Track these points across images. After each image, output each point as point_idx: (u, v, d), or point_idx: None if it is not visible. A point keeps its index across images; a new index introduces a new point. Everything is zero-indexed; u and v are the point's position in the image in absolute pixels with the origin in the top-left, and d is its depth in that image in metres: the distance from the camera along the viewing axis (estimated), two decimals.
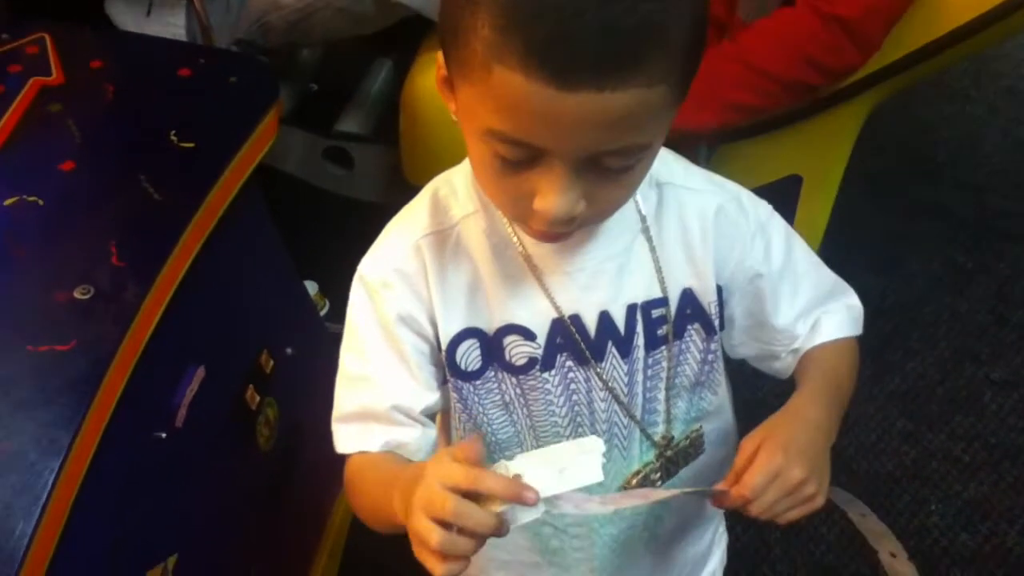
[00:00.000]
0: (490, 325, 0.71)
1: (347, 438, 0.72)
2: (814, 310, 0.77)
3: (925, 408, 1.58)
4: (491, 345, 0.71)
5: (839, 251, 1.59)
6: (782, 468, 0.65)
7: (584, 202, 0.60)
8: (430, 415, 0.73)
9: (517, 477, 0.56)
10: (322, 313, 1.57)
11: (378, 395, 0.70)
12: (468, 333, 0.71)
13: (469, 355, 0.72)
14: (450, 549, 0.55)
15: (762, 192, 0.77)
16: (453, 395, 0.73)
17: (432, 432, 0.73)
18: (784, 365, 0.79)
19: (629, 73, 0.54)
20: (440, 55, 0.63)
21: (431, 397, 0.72)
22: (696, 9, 0.57)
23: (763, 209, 0.75)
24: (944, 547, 1.42)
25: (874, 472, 1.51)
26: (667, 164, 0.72)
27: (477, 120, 0.59)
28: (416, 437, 0.71)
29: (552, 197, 0.59)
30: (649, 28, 0.54)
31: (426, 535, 0.56)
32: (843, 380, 0.75)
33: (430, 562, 0.57)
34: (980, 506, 1.46)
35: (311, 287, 1.58)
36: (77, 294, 0.82)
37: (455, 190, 0.72)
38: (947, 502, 1.47)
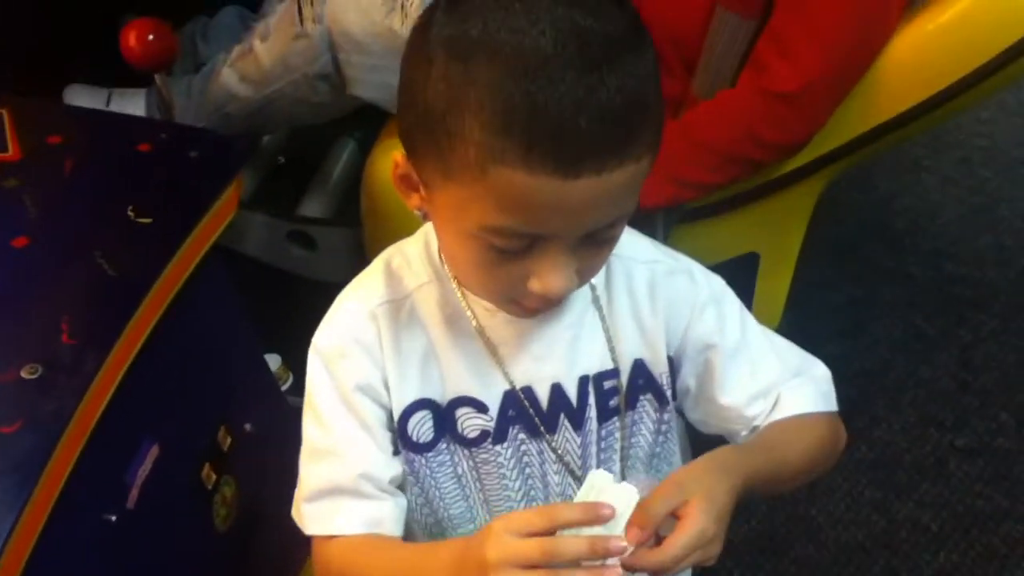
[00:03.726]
0: (443, 396, 0.71)
1: (319, 518, 0.70)
2: (774, 389, 0.74)
3: (893, 476, 1.58)
4: (443, 416, 0.71)
5: (802, 319, 1.60)
6: (712, 538, 0.61)
7: (577, 275, 0.62)
8: (398, 485, 0.72)
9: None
10: (285, 387, 1.55)
11: (344, 467, 0.69)
12: (421, 404, 0.71)
13: (421, 426, 0.71)
14: None
15: (720, 268, 0.77)
16: (405, 468, 0.72)
17: (403, 502, 0.72)
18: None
19: (625, 151, 0.57)
20: (397, 155, 0.64)
21: (397, 466, 0.71)
22: (656, 70, 0.60)
23: (716, 283, 0.76)
24: None
25: (844, 542, 1.49)
26: None
27: (468, 218, 0.60)
28: (389, 509, 0.70)
29: (552, 277, 0.61)
30: (636, 105, 0.57)
31: None
32: (787, 453, 0.72)
33: None
34: None
35: (274, 361, 1.56)
36: (24, 373, 0.81)
37: (409, 260, 0.72)
38: (917, 572, 1.45)
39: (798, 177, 1.34)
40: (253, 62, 1.46)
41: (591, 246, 0.62)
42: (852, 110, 1.27)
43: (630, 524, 0.60)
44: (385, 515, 0.70)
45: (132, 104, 1.53)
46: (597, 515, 0.57)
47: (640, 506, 0.60)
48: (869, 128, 1.31)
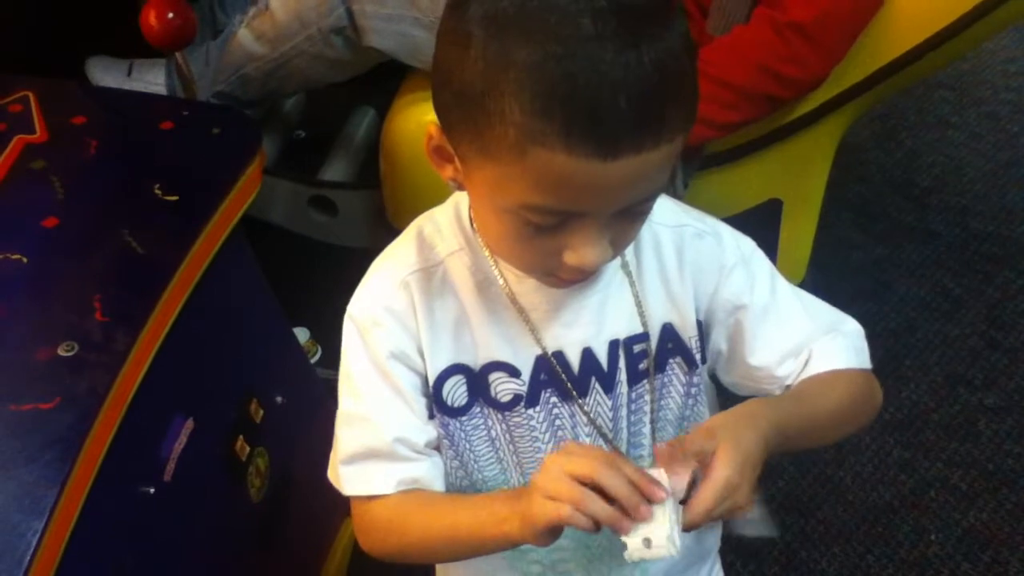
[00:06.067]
0: (475, 361, 0.72)
1: (356, 480, 0.72)
2: (805, 348, 0.74)
3: (921, 436, 1.58)
4: (477, 381, 0.72)
5: (827, 279, 1.59)
6: (738, 486, 0.62)
7: (611, 247, 0.63)
8: (435, 447, 0.73)
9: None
10: (314, 360, 1.57)
11: (379, 432, 0.70)
12: (454, 369, 0.72)
13: (456, 391, 0.72)
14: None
15: (744, 217, 0.78)
16: (440, 431, 0.73)
17: (440, 461, 0.73)
18: None
19: (663, 131, 0.57)
20: (432, 126, 0.64)
21: (433, 430, 0.73)
22: (691, 40, 0.60)
23: (746, 244, 0.76)
24: None
25: (871, 502, 1.50)
26: None
27: (505, 196, 0.61)
28: (427, 469, 0.72)
29: (587, 250, 0.62)
30: (674, 81, 0.57)
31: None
32: (818, 405, 0.72)
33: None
34: (980, 535, 1.45)
35: (302, 334, 1.58)
36: (61, 351, 0.82)
37: (439, 228, 0.73)
38: (947, 531, 1.45)
39: (816, 117, 1.32)
40: (269, 20, 1.46)
41: (625, 219, 0.63)
42: (865, 46, 1.26)
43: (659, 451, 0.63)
44: (423, 474, 0.71)
45: (153, 74, 1.53)
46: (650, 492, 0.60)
47: (670, 443, 0.63)
48: (884, 63, 1.29)
